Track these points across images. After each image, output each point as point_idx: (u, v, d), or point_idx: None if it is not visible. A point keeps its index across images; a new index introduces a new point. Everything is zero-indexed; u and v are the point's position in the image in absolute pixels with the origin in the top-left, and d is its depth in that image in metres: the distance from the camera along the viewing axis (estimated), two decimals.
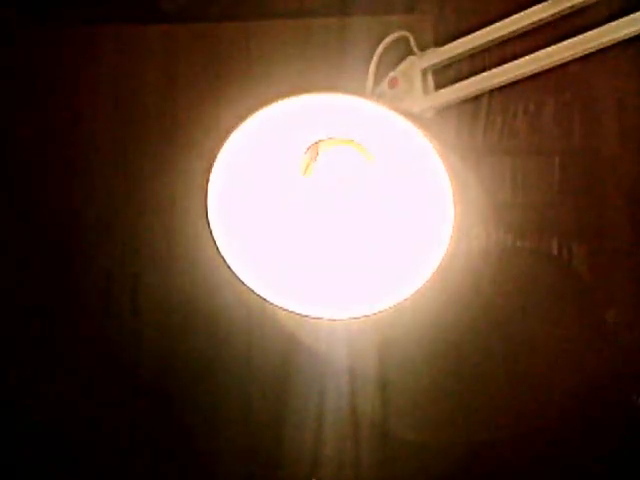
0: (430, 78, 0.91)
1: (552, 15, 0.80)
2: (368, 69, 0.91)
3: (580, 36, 0.77)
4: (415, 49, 0.91)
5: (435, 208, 0.69)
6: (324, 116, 0.70)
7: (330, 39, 1.05)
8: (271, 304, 0.76)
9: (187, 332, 1.09)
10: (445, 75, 0.92)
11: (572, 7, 0.78)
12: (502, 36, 0.84)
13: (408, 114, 0.67)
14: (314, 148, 0.78)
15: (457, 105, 0.96)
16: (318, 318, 0.76)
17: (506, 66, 0.83)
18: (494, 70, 0.84)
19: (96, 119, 1.12)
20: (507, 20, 0.83)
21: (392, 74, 0.91)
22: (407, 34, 0.91)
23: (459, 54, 0.88)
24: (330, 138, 0.77)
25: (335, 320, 0.76)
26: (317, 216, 0.80)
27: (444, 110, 0.93)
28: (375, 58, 0.90)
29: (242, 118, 0.68)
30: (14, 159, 1.12)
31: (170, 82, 1.11)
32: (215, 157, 0.70)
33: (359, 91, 0.90)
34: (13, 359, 1.12)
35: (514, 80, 0.84)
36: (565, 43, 0.78)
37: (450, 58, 0.89)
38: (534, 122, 0.99)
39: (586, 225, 1.00)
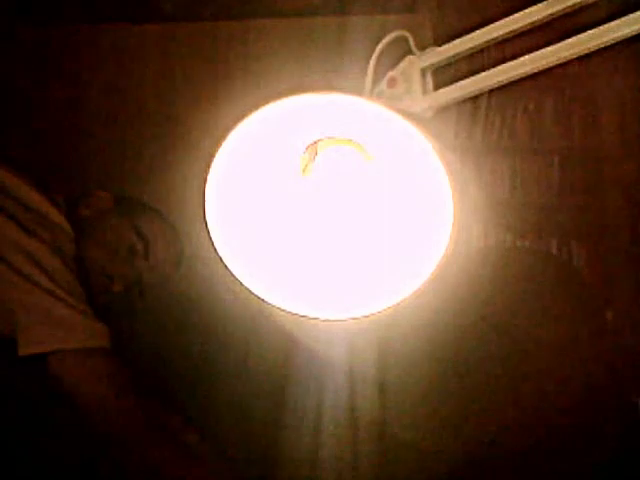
0: (429, 78, 0.90)
1: (552, 14, 0.80)
2: (367, 68, 0.90)
3: (580, 36, 0.77)
4: (414, 49, 0.90)
5: (434, 208, 0.69)
6: (323, 116, 0.70)
7: (329, 38, 1.05)
8: (269, 304, 0.76)
9: (184, 333, 1.09)
10: (444, 75, 0.92)
11: (572, 7, 0.78)
12: (501, 35, 0.84)
13: (407, 114, 0.67)
14: (313, 148, 0.78)
15: (456, 105, 0.95)
16: (316, 319, 0.76)
17: (505, 66, 0.83)
18: (493, 70, 0.84)
19: (94, 118, 1.12)
20: (506, 19, 0.83)
21: (391, 74, 0.90)
22: (406, 33, 0.91)
23: (458, 53, 0.87)
24: (329, 138, 0.77)
25: (334, 320, 0.76)
26: (316, 216, 0.80)
27: (443, 110, 0.93)
28: (374, 57, 0.90)
29: (240, 117, 0.68)
30: (14, 158, 1.12)
31: (168, 81, 1.11)
32: (213, 156, 0.70)
33: (358, 91, 0.90)
34: (11, 358, 1.12)
35: (513, 80, 0.84)
36: (565, 43, 0.78)
37: (449, 58, 0.88)
38: (533, 122, 0.99)
39: (586, 225, 1.00)
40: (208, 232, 0.74)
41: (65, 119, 1.15)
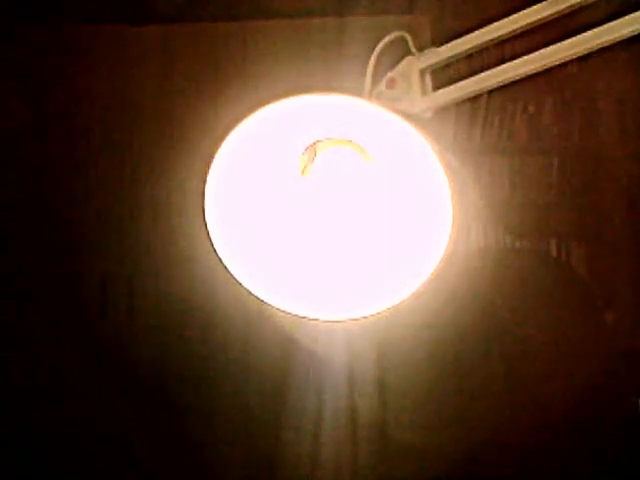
0: (428, 78, 0.90)
1: (551, 15, 0.80)
2: (366, 69, 0.90)
3: (579, 36, 0.77)
4: (413, 49, 0.90)
5: (433, 208, 0.69)
6: (322, 116, 0.70)
7: (328, 39, 1.04)
8: (269, 305, 0.76)
9: (184, 334, 1.09)
10: (443, 75, 0.92)
11: (571, 7, 0.78)
12: (501, 36, 0.84)
13: (406, 114, 0.67)
14: (312, 148, 0.78)
15: (455, 105, 0.95)
16: (316, 319, 0.76)
17: (505, 66, 0.83)
18: (493, 70, 0.84)
19: (93, 119, 1.12)
20: (505, 20, 0.83)
21: (390, 74, 0.90)
22: (405, 34, 0.91)
23: (457, 54, 0.87)
24: (328, 138, 0.77)
25: (333, 321, 0.76)
26: (315, 217, 0.80)
27: (442, 110, 0.93)
28: (373, 58, 0.90)
29: (239, 118, 0.68)
30: (11, 159, 1.12)
31: (167, 82, 1.11)
32: (212, 157, 0.70)
33: (357, 91, 0.90)
34: (10, 359, 1.12)
35: (513, 80, 0.84)
36: (564, 43, 0.78)
37: (448, 58, 0.88)
38: (533, 122, 0.99)
39: (585, 226, 1.00)
40: (208, 233, 0.74)
41: (62, 120, 1.14)
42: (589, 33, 0.76)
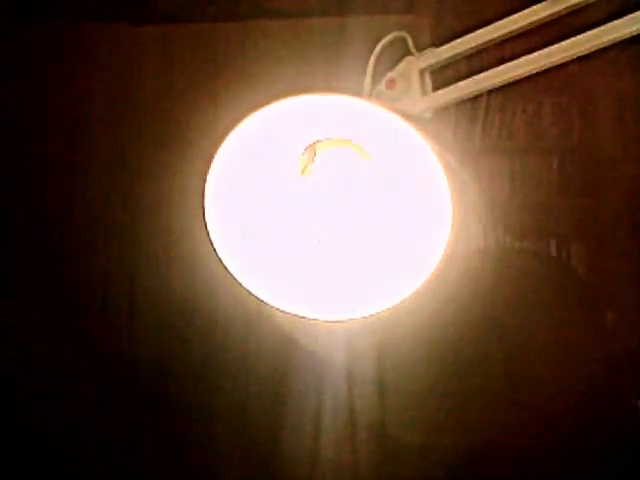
0: (428, 78, 0.90)
1: (551, 15, 0.80)
2: (366, 69, 0.90)
3: (579, 36, 0.77)
4: (413, 49, 0.90)
5: (433, 208, 0.69)
6: (322, 116, 0.70)
7: (327, 39, 1.04)
8: (268, 305, 0.76)
9: (184, 334, 1.09)
10: (443, 75, 0.92)
11: (571, 7, 0.78)
12: (500, 36, 0.84)
13: (406, 115, 0.67)
14: (312, 148, 0.78)
15: (455, 105, 0.95)
16: (316, 319, 0.76)
17: (504, 66, 0.83)
18: (492, 70, 0.84)
19: (93, 119, 1.12)
20: (505, 20, 0.83)
21: (390, 75, 0.90)
22: (405, 34, 0.91)
23: (457, 54, 0.87)
24: (328, 138, 0.77)
25: (333, 321, 0.76)
26: (315, 217, 0.80)
27: (442, 111, 0.93)
28: (373, 58, 0.90)
29: (239, 118, 0.68)
30: (11, 159, 1.12)
31: (167, 82, 1.11)
32: (212, 158, 0.70)
33: (357, 91, 0.90)
34: (10, 359, 1.12)
35: (513, 80, 0.84)
36: (564, 43, 0.78)
37: (448, 58, 0.88)
38: (533, 122, 0.99)
39: (585, 226, 1.00)
40: (208, 232, 0.74)
41: (63, 119, 1.14)
42: (589, 33, 0.76)
